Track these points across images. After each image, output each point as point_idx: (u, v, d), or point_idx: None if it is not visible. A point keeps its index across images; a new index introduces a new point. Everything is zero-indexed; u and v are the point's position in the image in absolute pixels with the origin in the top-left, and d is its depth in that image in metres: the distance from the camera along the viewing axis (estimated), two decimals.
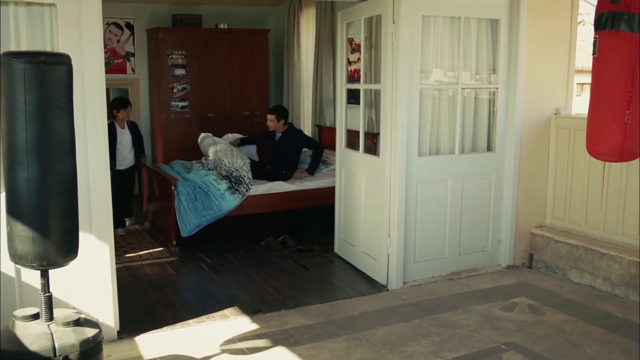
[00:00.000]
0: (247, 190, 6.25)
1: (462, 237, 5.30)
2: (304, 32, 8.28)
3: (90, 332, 3.16)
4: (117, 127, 6.69)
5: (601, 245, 4.99)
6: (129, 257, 5.92)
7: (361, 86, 5.40)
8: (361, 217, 5.42)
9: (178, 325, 4.37)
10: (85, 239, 3.96)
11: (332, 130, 7.09)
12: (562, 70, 5.46)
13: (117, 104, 6.73)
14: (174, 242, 6.11)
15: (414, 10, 4.79)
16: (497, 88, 5.26)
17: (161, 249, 6.17)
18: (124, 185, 6.83)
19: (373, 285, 5.14)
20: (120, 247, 6.24)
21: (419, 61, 4.88)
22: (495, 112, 5.31)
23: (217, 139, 6.91)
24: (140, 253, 6.03)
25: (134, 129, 6.90)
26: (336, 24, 6.04)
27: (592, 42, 3.81)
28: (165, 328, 4.32)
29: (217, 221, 6.19)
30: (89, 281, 4.03)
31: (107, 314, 4.08)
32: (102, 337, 3.29)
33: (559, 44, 5.39)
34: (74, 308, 3.99)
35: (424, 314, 4.51)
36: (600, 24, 3.70)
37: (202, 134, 7.10)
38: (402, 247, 4.99)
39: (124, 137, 6.78)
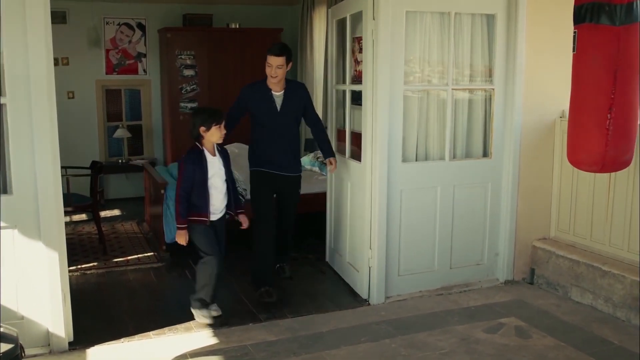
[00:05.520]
0: (241, 204, 5.98)
1: (454, 250, 4.92)
2: (316, 31, 8.01)
3: (3, 347, 3.00)
4: (207, 154, 4.24)
5: (604, 262, 4.52)
6: (116, 261, 5.79)
7: (347, 87, 5.09)
8: (347, 226, 5.12)
9: (137, 336, 4.18)
10: (34, 247, 3.84)
11: (341, 132, 6.74)
12: (569, 69, 4.97)
13: (205, 116, 4.15)
14: (164, 247, 5.94)
15: (396, 6, 4.46)
16: (493, 89, 4.86)
17: (151, 254, 6.01)
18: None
19: (355, 299, 4.82)
20: (112, 250, 6.13)
21: (402, 60, 4.54)
22: (491, 114, 4.91)
23: None
24: (129, 258, 5.89)
25: (225, 157, 4.37)
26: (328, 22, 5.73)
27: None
28: (122, 340, 4.13)
29: None
30: (38, 290, 3.87)
31: (57, 324, 3.92)
32: (22, 353, 3.12)
33: (564, 39, 4.90)
34: (22, 318, 3.87)
35: (397, 333, 4.17)
36: (579, 16, 3.32)
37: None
38: (384, 259, 4.66)
39: (217, 171, 4.26)
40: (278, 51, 4.60)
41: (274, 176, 4.80)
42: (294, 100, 4.80)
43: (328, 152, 4.93)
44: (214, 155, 4.26)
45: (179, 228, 4.25)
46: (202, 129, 4.15)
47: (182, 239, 4.27)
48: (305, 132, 8.27)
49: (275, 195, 4.94)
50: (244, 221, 4.49)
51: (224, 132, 4.21)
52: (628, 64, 3.16)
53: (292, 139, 4.87)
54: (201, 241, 4.30)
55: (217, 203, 4.30)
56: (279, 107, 4.73)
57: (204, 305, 4.35)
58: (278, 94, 4.77)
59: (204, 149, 4.21)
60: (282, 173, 4.81)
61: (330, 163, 4.93)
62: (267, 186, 4.83)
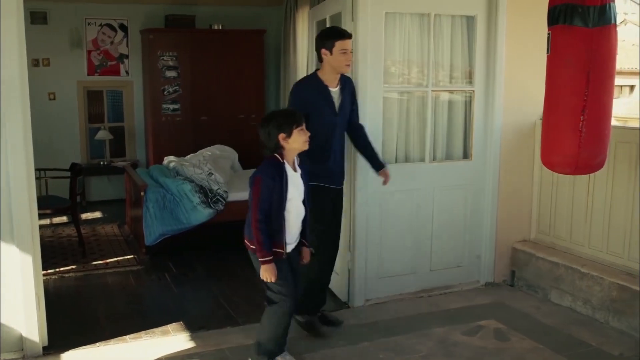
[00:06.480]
0: (222, 207, 5.97)
1: (434, 252, 4.90)
2: (300, 32, 7.97)
3: None
4: (287, 168, 3.34)
5: (583, 264, 4.52)
6: (95, 264, 5.73)
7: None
8: None
9: (113, 340, 4.13)
10: (7, 250, 3.78)
11: None
12: None
13: (282, 120, 3.29)
14: (144, 250, 5.90)
15: (375, 7, 4.43)
16: (473, 91, 4.85)
17: (131, 256, 5.96)
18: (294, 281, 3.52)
19: (335, 302, 4.78)
20: (91, 253, 6.07)
21: (382, 61, 4.52)
22: (471, 116, 4.90)
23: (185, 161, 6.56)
24: (108, 260, 5.83)
25: (305, 172, 3.49)
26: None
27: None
28: (98, 344, 4.08)
29: (193, 229, 5.94)
30: (11, 294, 3.81)
31: (31, 328, 3.86)
32: None
33: (544, 41, 4.90)
34: None
35: (376, 336, 4.15)
36: (553, 17, 3.31)
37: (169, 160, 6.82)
38: (364, 261, 4.63)
39: (298, 190, 3.40)
40: (349, 33, 3.97)
41: (331, 191, 4.09)
42: (348, 97, 4.09)
43: (380, 163, 4.26)
44: (295, 170, 3.38)
45: (263, 262, 3.28)
46: (281, 136, 3.25)
47: (270, 274, 3.28)
48: None
49: None
50: (306, 255, 3.59)
51: (308, 134, 3.35)
52: (601, 66, 3.16)
53: (343, 143, 4.18)
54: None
55: (295, 230, 3.43)
56: (337, 107, 4.01)
57: (272, 355, 3.58)
58: (335, 89, 4.01)
59: (285, 160, 3.33)
60: (335, 186, 4.11)
61: (385, 174, 4.23)
62: (328, 204, 4.05)
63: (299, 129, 3.29)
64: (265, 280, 3.33)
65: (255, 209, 3.27)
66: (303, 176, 3.44)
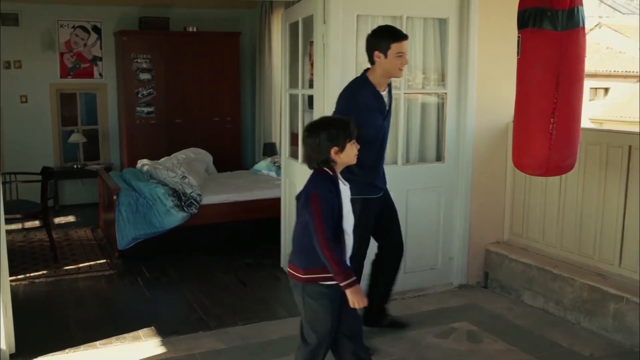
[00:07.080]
0: (196, 210, 5.93)
1: (408, 254, 4.83)
2: (275, 35, 7.96)
3: None
4: (340, 182, 2.93)
5: (555, 265, 4.55)
6: (67, 269, 5.65)
7: (299, 91, 5.06)
8: None
9: (83, 346, 4.07)
10: None
11: (295, 136, 6.69)
12: None
13: (335, 132, 2.86)
14: (117, 254, 5.83)
15: (346, 10, 4.43)
16: (445, 93, 4.87)
17: (104, 261, 5.88)
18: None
19: None
20: (64, 258, 5.98)
21: (354, 64, 4.49)
22: (444, 118, 4.91)
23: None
24: (80, 265, 5.75)
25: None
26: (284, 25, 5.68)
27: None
28: (67, 350, 4.01)
29: (167, 233, 5.89)
30: None
31: None
32: None
33: (516, 43, 4.95)
34: None
35: None
36: (522, 21, 3.33)
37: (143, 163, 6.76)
38: None
39: (349, 205, 2.97)
40: (405, 34, 3.73)
41: (377, 200, 3.88)
42: (391, 100, 3.92)
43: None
44: (345, 184, 2.98)
45: (347, 286, 2.76)
46: (334, 150, 2.85)
47: (361, 296, 2.80)
48: (264, 135, 8.24)
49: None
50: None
51: (358, 146, 2.96)
52: (570, 69, 3.18)
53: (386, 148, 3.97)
54: (322, 314, 2.89)
55: (349, 252, 2.97)
56: (385, 112, 3.80)
57: None
58: (384, 93, 3.78)
59: (336, 173, 2.92)
60: (381, 194, 3.93)
61: None
62: (372, 217, 3.85)
63: (351, 141, 2.93)
64: (356, 306, 2.79)
65: (322, 227, 2.78)
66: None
